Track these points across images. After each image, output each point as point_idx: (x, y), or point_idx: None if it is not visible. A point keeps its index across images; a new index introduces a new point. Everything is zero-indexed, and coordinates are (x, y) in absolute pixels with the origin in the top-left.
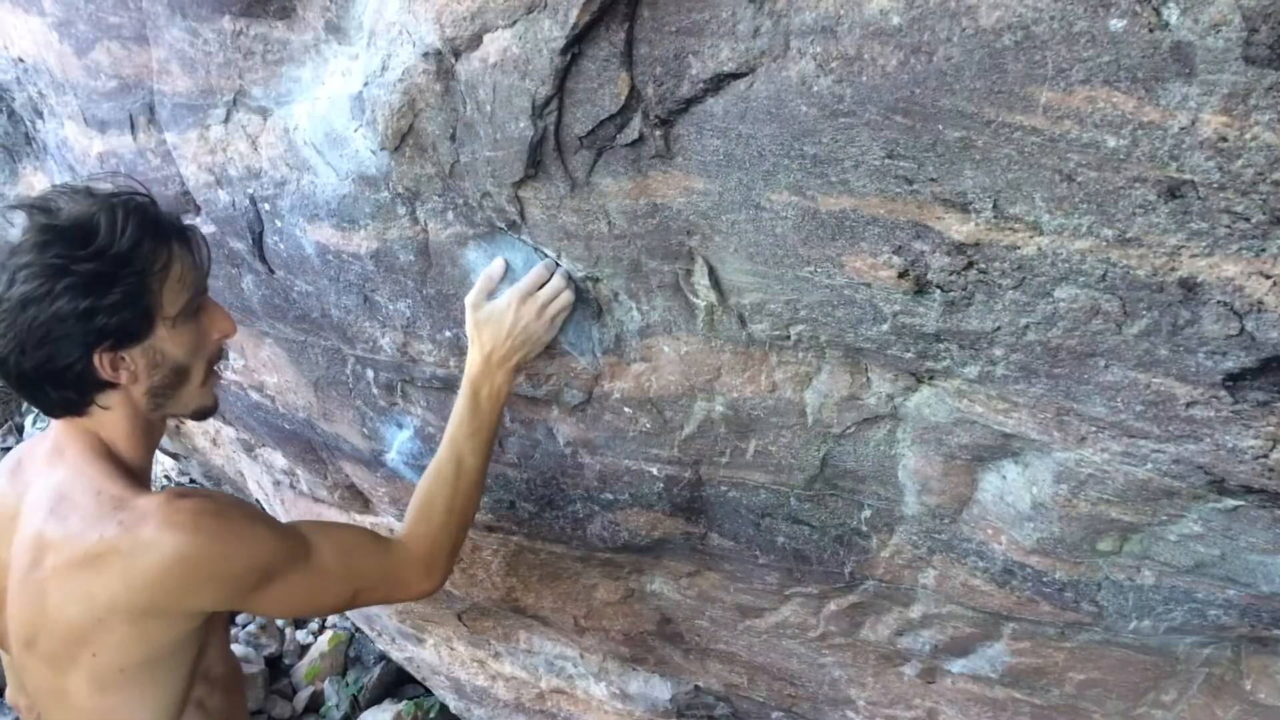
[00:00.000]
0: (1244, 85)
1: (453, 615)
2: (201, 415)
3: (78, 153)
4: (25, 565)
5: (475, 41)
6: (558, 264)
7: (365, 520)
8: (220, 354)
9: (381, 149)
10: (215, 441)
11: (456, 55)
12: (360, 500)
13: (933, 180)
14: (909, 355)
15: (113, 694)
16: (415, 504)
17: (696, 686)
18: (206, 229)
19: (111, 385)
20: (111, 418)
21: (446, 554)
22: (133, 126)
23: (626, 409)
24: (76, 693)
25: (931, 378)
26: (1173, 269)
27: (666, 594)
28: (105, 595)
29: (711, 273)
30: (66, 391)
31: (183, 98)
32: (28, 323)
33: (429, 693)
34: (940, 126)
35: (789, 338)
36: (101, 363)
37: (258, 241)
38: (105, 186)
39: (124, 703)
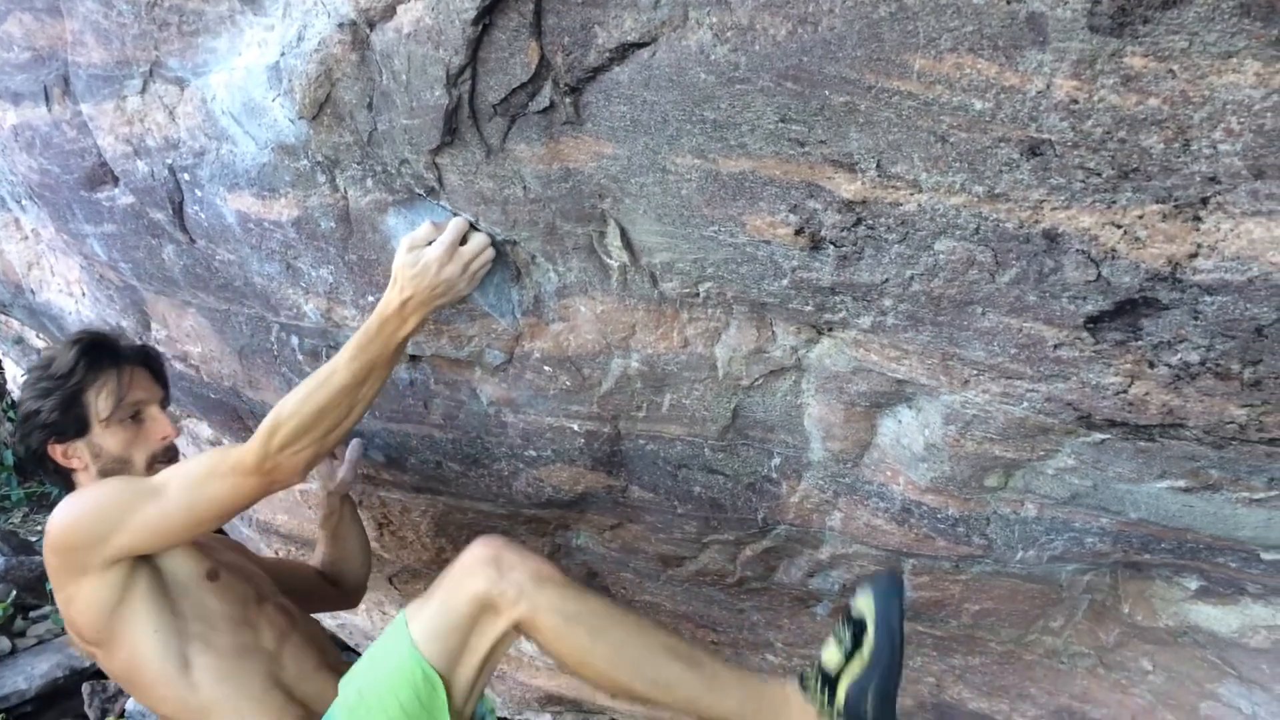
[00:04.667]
0: (1090, 52)
1: (384, 579)
2: None
3: None
4: None
5: (389, 12)
6: (474, 226)
7: (297, 487)
8: (164, 452)
9: (300, 118)
10: None
11: (371, 26)
12: None
13: (822, 142)
14: (808, 308)
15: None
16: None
17: None
18: (125, 200)
19: (72, 470)
20: None
21: (279, 445)
22: (47, 98)
23: (546, 368)
24: None
25: (830, 329)
26: (1036, 221)
27: (591, 548)
28: None
29: (623, 234)
30: (49, 473)
31: (98, 69)
32: (18, 420)
33: None
34: (827, 92)
35: (698, 295)
36: (55, 453)
37: (178, 211)
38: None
39: (105, 656)
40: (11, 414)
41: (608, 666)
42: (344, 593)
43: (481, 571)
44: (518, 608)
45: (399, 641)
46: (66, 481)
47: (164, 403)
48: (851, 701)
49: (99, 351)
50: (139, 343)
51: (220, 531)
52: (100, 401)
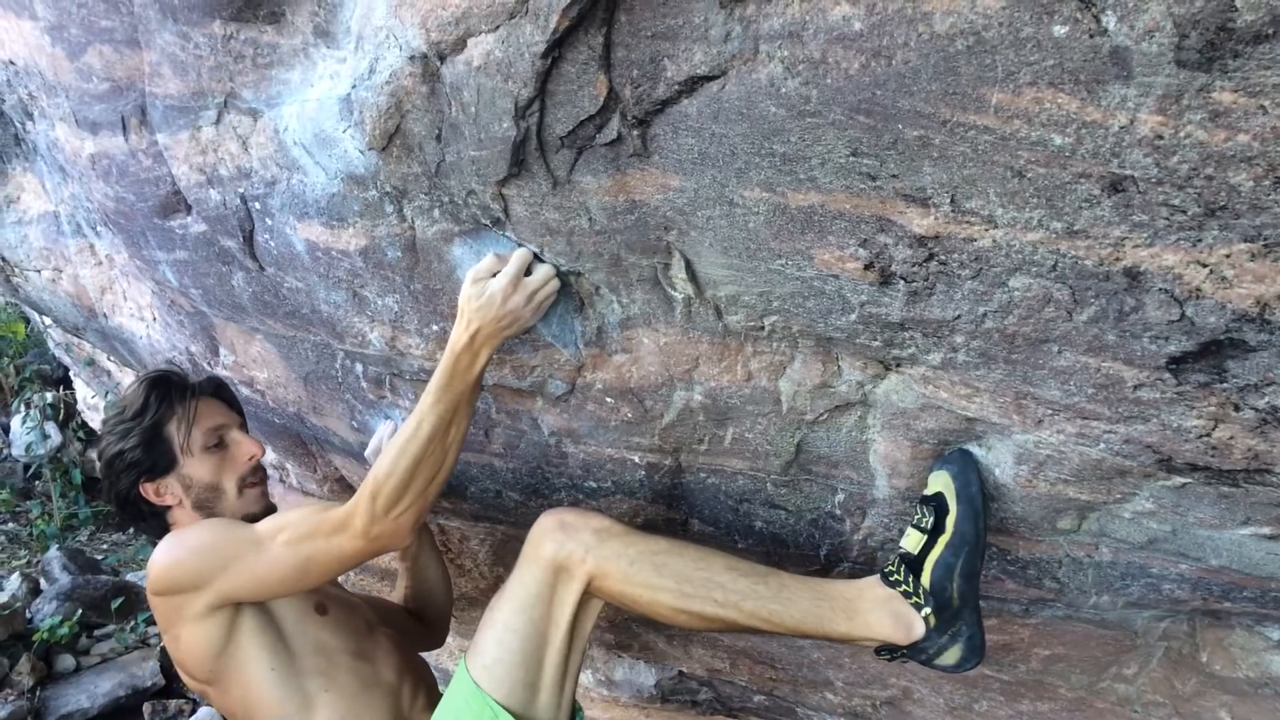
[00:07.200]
0: (1177, 87)
1: None
2: (253, 520)
3: (68, 154)
4: None
5: (460, 45)
6: (538, 257)
7: None
8: (253, 472)
9: (369, 149)
10: None
11: (442, 58)
12: (349, 493)
13: (894, 177)
14: (876, 343)
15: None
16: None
17: (680, 672)
18: (197, 228)
19: (166, 508)
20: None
21: (384, 508)
22: (124, 128)
23: (608, 399)
24: None
25: (898, 365)
26: (1117, 259)
27: None
28: None
29: (688, 266)
30: (141, 518)
31: (174, 100)
32: (103, 469)
33: None
34: (900, 126)
35: (763, 328)
36: (148, 492)
37: (248, 239)
38: (155, 371)
39: (218, 695)
40: (81, 434)
41: (676, 596)
42: (429, 629)
43: (550, 537)
44: (586, 564)
45: (461, 688)
46: (160, 523)
47: (242, 426)
48: (937, 581)
49: (169, 386)
50: (206, 374)
51: None
52: (182, 433)
